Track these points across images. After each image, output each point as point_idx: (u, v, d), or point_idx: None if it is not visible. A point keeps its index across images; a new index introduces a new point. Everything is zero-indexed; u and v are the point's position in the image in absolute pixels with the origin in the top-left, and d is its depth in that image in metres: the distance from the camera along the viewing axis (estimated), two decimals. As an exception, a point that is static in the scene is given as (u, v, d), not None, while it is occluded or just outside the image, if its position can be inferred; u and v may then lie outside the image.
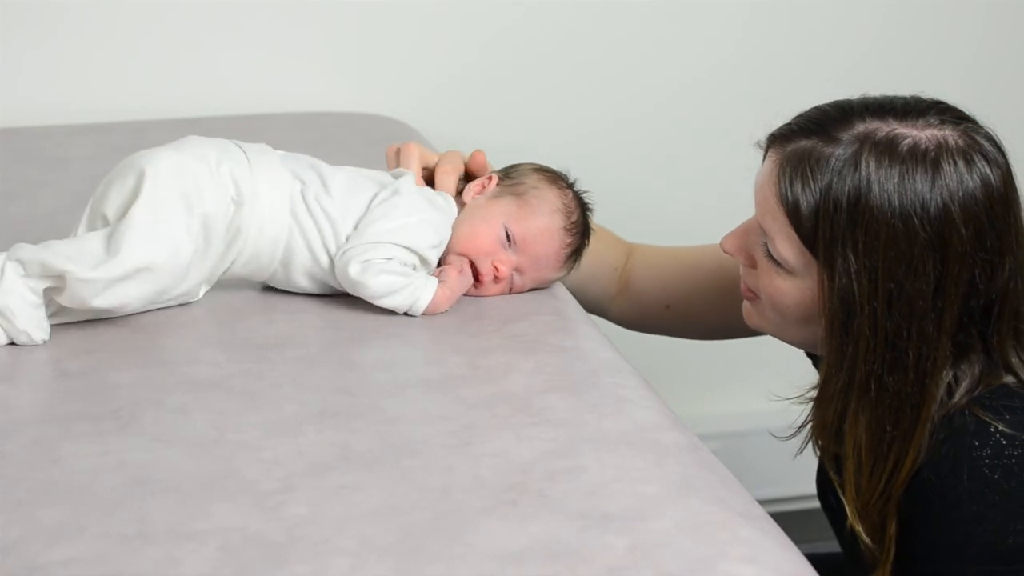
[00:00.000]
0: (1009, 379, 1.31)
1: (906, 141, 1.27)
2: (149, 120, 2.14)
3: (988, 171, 1.27)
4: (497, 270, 1.46)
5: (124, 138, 2.00)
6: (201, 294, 1.43)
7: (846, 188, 1.27)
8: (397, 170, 1.52)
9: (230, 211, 1.39)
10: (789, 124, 1.34)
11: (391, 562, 0.99)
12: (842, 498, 1.33)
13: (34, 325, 1.32)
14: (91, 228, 1.37)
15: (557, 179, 1.52)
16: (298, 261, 1.43)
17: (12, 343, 1.32)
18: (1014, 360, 1.31)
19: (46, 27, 2.15)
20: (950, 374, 1.29)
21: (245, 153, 1.43)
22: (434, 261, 1.45)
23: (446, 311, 1.43)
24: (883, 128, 1.29)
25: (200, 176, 1.38)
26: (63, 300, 1.33)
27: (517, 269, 1.48)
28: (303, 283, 1.45)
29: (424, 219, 1.44)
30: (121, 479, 1.09)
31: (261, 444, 1.15)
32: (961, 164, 1.27)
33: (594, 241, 1.56)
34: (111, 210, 1.36)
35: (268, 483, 1.09)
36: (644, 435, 1.19)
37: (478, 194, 1.51)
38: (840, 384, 1.30)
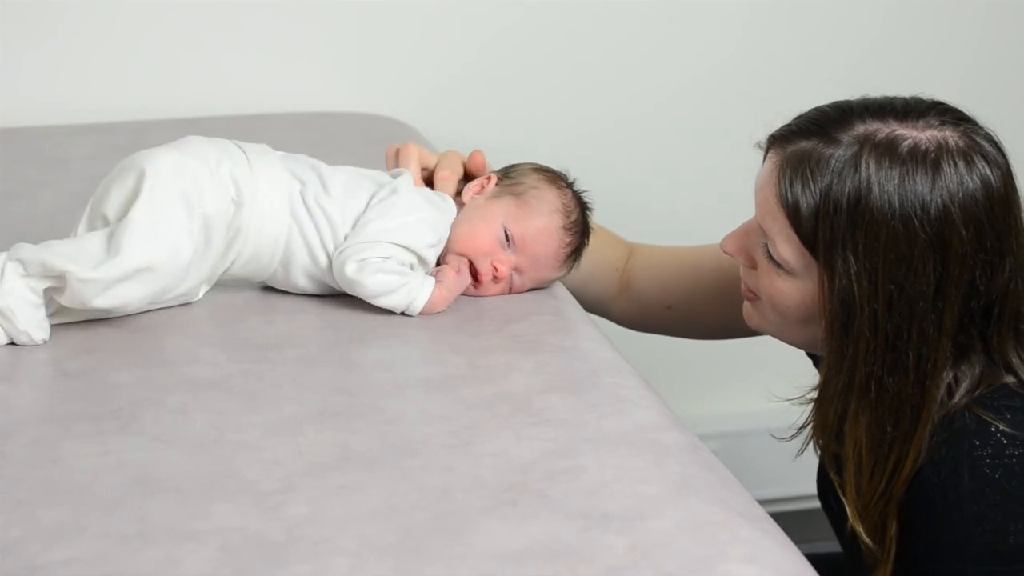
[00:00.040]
0: (1009, 379, 1.31)
1: (906, 142, 1.27)
2: (149, 120, 2.14)
3: (988, 172, 1.27)
4: (496, 270, 1.46)
5: (124, 138, 2.00)
6: (201, 294, 1.43)
7: (846, 189, 1.27)
8: (396, 170, 1.52)
9: (230, 211, 1.39)
10: (789, 125, 1.34)
11: (391, 562, 0.99)
12: (842, 499, 1.33)
13: (34, 325, 1.32)
14: (91, 228, 1.37)
15: (556, 179, 1.52)
16: (298, 261, 1.43)
17: (12, 343, 1.32)
18: (1015, 360, 1.31)
19: (46, 27, 2.15)
20: (950, 375, 1.29)
21: (245, 153, 1.43)
22: (432, 260, 1.45)
23: (444, 311, 1.43)
24: (883, 129, 1.29)
25: (200, 176, 1.38)
26: (63, 300, 1.33)
27: (516, 269, 1.48)
28: (302, 283, 1.45)
29: (422, 218, 1.44)
30: (121, 479, 1.09)
31: (261, 444, 1.15)
32: (961, 165, 1.27)
33: (594, 241, 1.56)
34: (111, 210, 1.36)
35: (268, 483, 1.09)
36: (644, 435, 1.19)
37: (477, 194, 1.51)
38: (840, 385, 1.30)
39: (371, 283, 1.40)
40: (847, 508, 1.32)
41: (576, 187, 1.53)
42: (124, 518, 1.04)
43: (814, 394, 1.35)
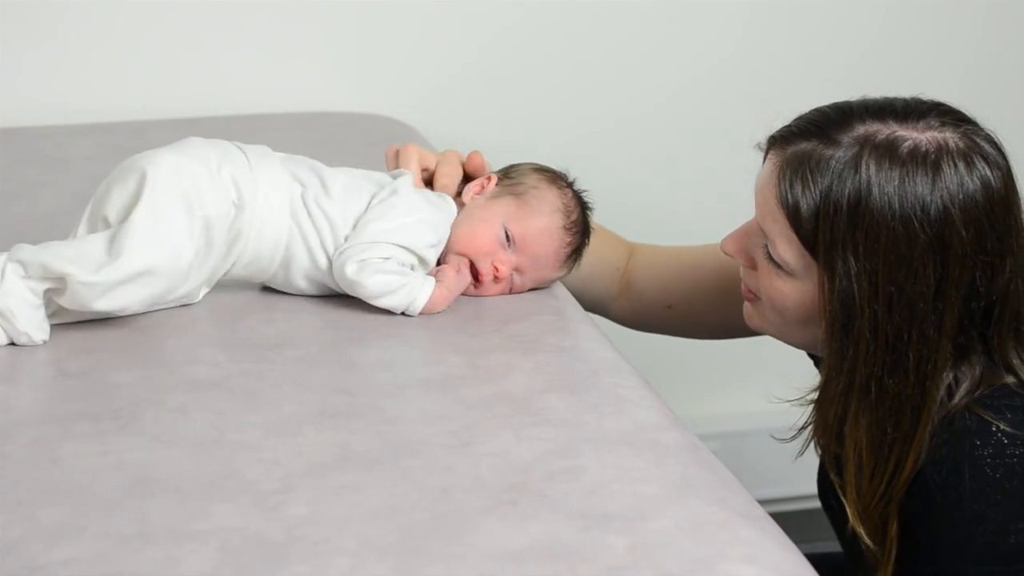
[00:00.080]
0: (1010, 379, 1.31)
1: (906, 143, 1.27)
2: (149, 120, 2.14)
3: (988, 173, 1.27)
4: (497, 270, 1.46)
5: (124, 138, 2.00)
6: (201, 296, 1.43)
7: (846, 191, 1.27)
8: (396, 171, 1.52)
9: (231, 214, 1.39)
10: (789, 126, 1.34)
11: (391, 562, 0.99)
12: (843, 500, 1.33)
13: (34, 326, 1.32)
14: (92, 229, 1.37)
15: (557, 179, 1.52)
16: (298, 264, 1.43)
17: (12, 343, 1.32)
18: (1015, 361, 1.31)
19: (46, 27, 2.15)
20: (950, 376, 1.29)
21: (246, 155, 1.43)
22: (432, 261, 1.45)
23: (444, 311, 1.43)
24: (883, 130, 1.28)
25: (201, 179, 1.38)
26: (63, 302, 1.33)
27: (517, 269, 1.48)
28: (302, 285, 1.45)
29: (422, 219, 1.44)
30: (121, 479, 1.09)
31: (261, 444, 1.15)
32: (961, 166, 1.27)
33: (595, 241, 1.56)
34: (112, 212, 1.36)
35: (268, 483, 1.09)
36: (644, 435, 1.19)
37: (477, 194, 1.51)
38: (840, 386, 1.30)
39: (371, 283, 1.40)
40: (848, 509, 1.32)
41: (576, 187, 1.53)
42: (124, 518, 1.04)
43: (814, 395, 1.35)
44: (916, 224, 1.25)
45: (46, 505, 1.06)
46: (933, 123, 1.29)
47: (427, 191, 1.51)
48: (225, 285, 1.45)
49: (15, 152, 1.99)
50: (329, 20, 2.25)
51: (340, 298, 1.45)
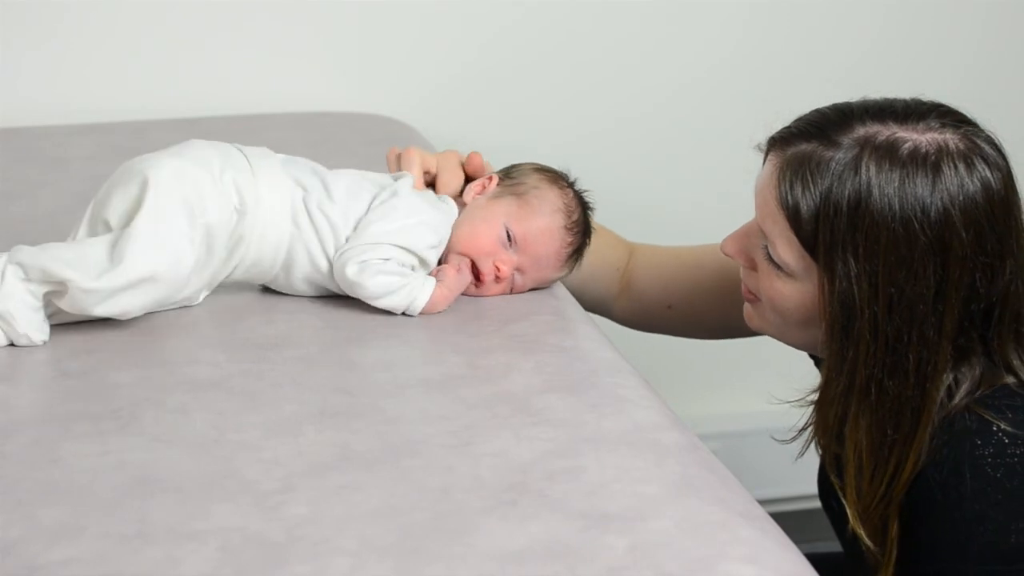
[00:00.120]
0: (1010, 379, 1.31)
1: (906, 145, 1.27)
2: (149, 120, 2.14)
3: (988, 174, 1.27)
4: (498, 270, 1.46)
5: (124, 138, 2.00)
6: (201, 299, 1.43)
7: (846, 192, 1.27)
8: (397, 173, 1.52)
9: (233, 220, 1.39)
10: (789, 127, 1.34)
11: (391, 562, 0.99)
12: (843, 501, 1.33)
13: (34, 328, 1.32)
14: (92, 232, 1.37)
15: (558, 179, 1.52)
16: (299, 267, 1.43)
17: (12, 344, 1.32)
18: (1015, 362, 1.31)
19: (46, 27, 2.15)
20: (950, 377, 1.29)
21: (247, 159, 1.42)
22: (433, 261, 1.45)
23: (444, 311, 1.43)
24: (883, 132, 1.28)
25: (203, 184, 1.37)
26: (63, 305, 1.33)
27: (518, 269, 1.48)
28: (303, 288, 1.45)
29: (423, 220, 1.44)
30: (121, 479, 1.09)
31: (261, 444, 1.15)
32: (962, 168, 1.26)
33: (596, 241, 1.56)
34: (114, 216, 1.35)
35: (268, 483, 1.09)
36: (644, 435, 1.19)
37: (479, 194, 1.51)
38: (840, 388, 1.30)
39: (372, 284, 1.40)
40: (848, 510, 1.32)
41: (577, 187, 1.53)
42: (124, 518, 1.04)
43: (814, 396, 1.35)
44: (916, 225, 1.25)
45: (46, 505, 1.06)
46: (933, 124, 1.29)
47: (428, 192, 1.51)
48: (225, 286, 1.45)
49: (15, 152, 1.99)
50: (329, 20, 2.25)
51: (340, 298, 1.45)
